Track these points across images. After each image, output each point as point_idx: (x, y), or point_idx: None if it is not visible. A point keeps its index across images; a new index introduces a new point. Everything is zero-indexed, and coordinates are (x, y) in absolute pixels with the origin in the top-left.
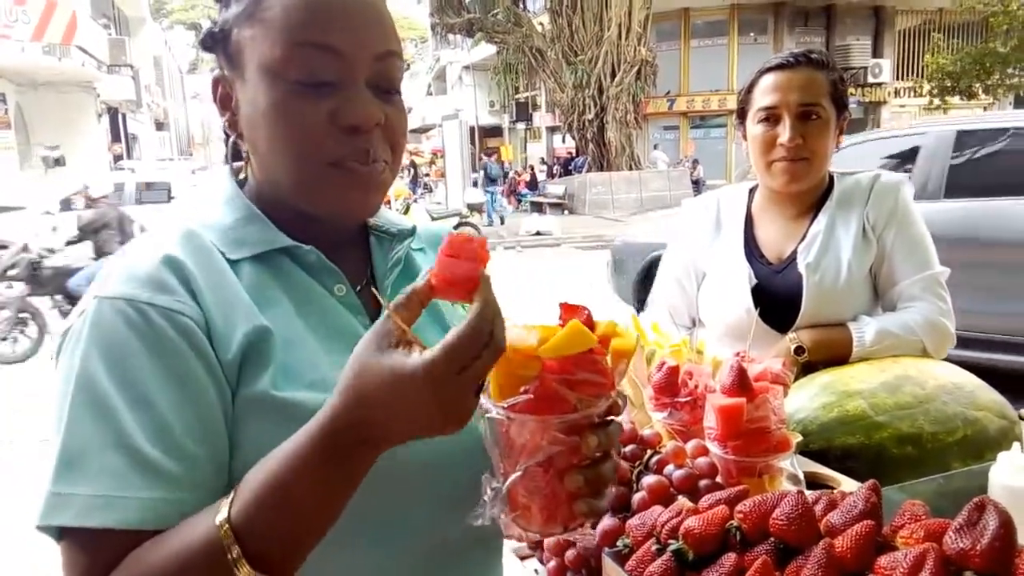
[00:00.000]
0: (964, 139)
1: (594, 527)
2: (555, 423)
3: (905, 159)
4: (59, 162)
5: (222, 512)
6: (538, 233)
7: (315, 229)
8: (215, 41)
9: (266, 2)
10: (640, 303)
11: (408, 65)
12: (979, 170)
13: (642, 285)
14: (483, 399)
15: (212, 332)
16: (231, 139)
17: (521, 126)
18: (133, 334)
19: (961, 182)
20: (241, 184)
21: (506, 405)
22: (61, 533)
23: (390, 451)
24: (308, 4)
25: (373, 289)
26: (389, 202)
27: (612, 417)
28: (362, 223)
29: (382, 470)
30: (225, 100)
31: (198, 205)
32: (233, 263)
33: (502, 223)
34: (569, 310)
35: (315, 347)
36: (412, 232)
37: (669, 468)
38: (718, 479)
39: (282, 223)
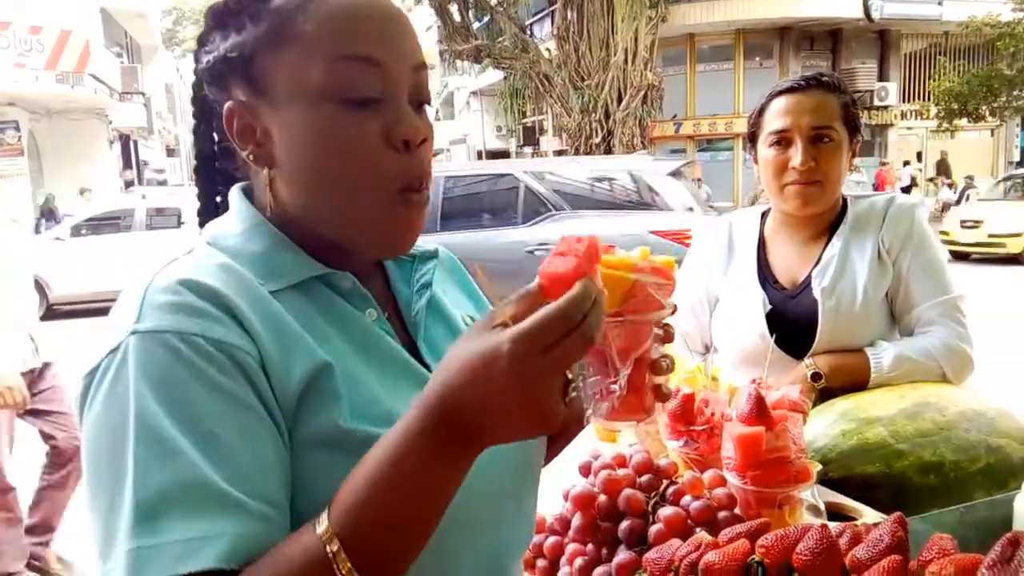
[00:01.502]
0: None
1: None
2: (654, 318)
3: None
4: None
5: (322, 523)
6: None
7: (342, 256)
8: (230, 67)
9: (296, 20)
10: None
11: None
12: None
13: None
14: None
15: (268, 367)
16: (212, 164)
17: (528, 150)
18: (187, 369)
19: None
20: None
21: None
22: None
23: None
24: (346, 16)
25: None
26: None
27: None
28: None
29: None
30: (246, 131)
31: (216, 234)
32: (273, 294)
33: None
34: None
35: (371, 378)
36: (435, 254)
37: (686, 499)
38: (736, 511)
39: (310, 251)
